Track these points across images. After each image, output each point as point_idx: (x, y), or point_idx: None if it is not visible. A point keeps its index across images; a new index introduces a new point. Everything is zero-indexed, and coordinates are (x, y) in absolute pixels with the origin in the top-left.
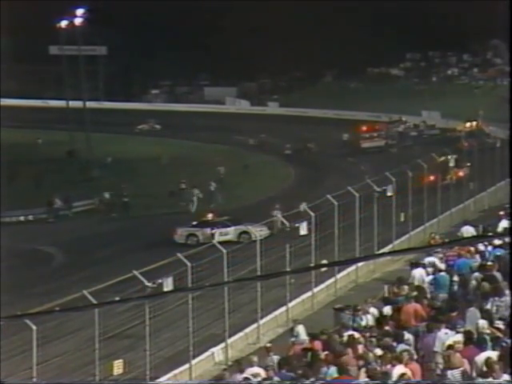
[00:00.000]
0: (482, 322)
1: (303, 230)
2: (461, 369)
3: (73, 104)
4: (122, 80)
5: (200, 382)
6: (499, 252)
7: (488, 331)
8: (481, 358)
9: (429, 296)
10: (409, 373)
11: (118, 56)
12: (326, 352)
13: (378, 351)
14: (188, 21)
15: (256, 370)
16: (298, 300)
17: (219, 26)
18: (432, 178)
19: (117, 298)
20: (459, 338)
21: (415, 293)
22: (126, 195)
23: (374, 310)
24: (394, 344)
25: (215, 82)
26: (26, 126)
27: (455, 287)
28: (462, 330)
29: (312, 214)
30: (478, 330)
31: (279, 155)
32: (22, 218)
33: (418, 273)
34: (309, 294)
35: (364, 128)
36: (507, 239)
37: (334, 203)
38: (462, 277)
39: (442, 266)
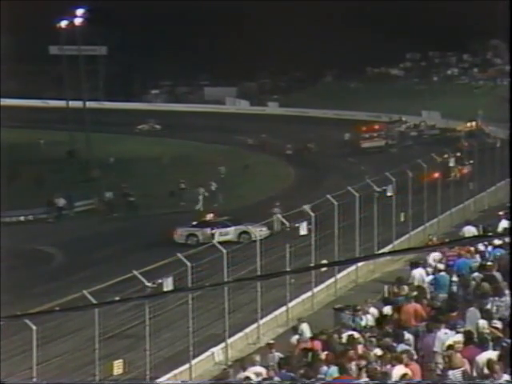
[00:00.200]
0: (482, 322)
1: (303, 230)
2: (462, 369)
3: (73, 104)
4: (122, 80)
5: (200, 382)
6: (499, 252)
7: (488, 331)
8: (481, 358)
9: (429, 296)
10: (409, 373)
11: (118, 56)
12: (326, 352)
13: (378, 351)
14: (188, 21)
15: (258, 369)
16: (298, 300)
17: (219, 26)
18: (434, 175)
19: (117, 298)
20: (459, 338)
21: (415, 293)
22: (131, 194)
23: (373, 310)
24: (394, 344)
25: (215, 82)
26: (26, 125)
27: (455, 287)
28: (462, 330)
29: (312, 213)
30: (478, 330)
31: (279, 155)
32: (22, 218)
33: (418, 273)
34: (309, 293)
35: (364, 128)
36: (507, 239)
37: (333, 203)
38: (462, 277)
39: (442, 266)
